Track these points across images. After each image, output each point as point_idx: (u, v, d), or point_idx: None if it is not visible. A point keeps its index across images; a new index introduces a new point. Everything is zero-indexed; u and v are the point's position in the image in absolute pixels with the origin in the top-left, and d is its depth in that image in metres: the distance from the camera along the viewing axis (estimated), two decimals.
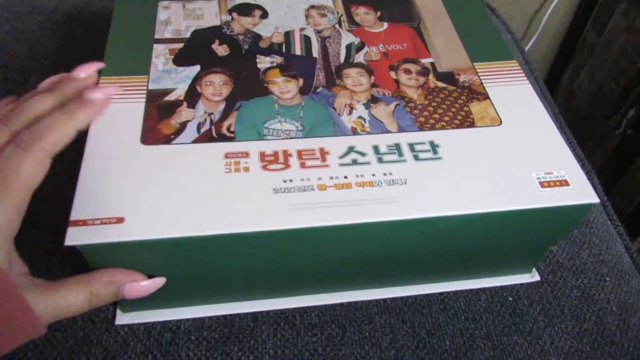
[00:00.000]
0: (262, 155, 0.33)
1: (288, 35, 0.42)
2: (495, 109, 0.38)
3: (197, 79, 0.38)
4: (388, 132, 0.36)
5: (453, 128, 0.36)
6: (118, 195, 0.30)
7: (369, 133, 0.35)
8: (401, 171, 0.33)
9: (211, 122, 0.35)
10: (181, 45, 0.40)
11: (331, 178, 0.32)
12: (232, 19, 0.43)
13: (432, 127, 0.36)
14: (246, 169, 0.32)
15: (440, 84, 0.39)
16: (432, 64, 0.41)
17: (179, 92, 0.37)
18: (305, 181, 0.32)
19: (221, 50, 0.40)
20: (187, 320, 0.36)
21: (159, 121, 0.35)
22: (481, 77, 0.40)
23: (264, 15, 0.44)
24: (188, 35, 0.41)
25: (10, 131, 0.28)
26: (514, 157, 0.34)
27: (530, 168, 0.34)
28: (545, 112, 0.38)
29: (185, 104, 0.36)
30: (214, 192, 0.31)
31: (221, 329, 0.36)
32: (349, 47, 0.42)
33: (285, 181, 0.32)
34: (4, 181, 0.26)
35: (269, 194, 0.31)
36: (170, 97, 0.36)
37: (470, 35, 0.44)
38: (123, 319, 0.36)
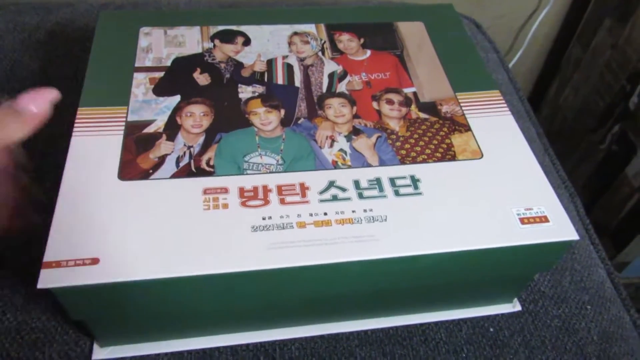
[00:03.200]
0: (242, 191, 0.33)
1: (270, 63, 0.42)
2: (476, 141, 0.38)
3: (177, 110, 0.37)
4: (369, 165, 0.35)
5: (434, 161, 0.36)
6: (93, 235, 0.30)
7: (349, 167, 0.35)
8: (381, 207, 0.33)
9: (190, 156, 0.35)
10: (162, 74, 0.40)
11: (311, 215, 0.32)
12: (214, 46, 0.43)
13: (414, 161, 0.36)
14: (225, 206, 0.32)
15: (423, 115, 0.39)
16: (415, 93, 0.41)
17: (159, 123, 0.36)
18: (285, 218, 0.32)
19: (202, 79, 0.40)
20: (166, 354, 0.36)
21: (137, 155, 0.34)
22: (463, 108, 0.40)
23: (247, 42, 0.43)
24: (169, 63, 0.41)
25: None
26: (494, 193, 0.34)
27: (510, 204, 0.34)
28: (527, 145, 0.38)
29: (164, 136, 0.36)
30: (191, 231, 0.30)
31: None
32: (331, 75, 0.42)
33: (264, 218, 0.32)
34: None
35: (247, 232, 0.31)
36: (150, 129, 0.36)
37: (453, 64, 0.43)
38: (100, 353, 0.35)
